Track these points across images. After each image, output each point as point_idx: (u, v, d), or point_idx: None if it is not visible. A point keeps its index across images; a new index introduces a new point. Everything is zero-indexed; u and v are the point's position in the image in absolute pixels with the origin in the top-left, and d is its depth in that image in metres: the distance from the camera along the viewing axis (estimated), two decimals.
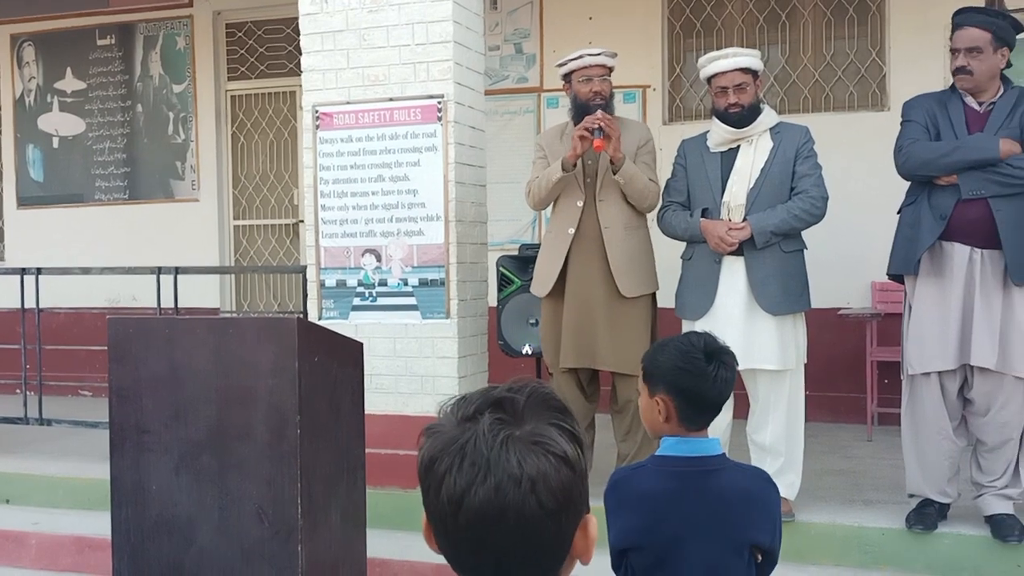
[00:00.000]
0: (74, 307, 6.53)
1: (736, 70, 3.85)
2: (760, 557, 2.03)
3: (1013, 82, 3.72)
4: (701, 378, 2.02)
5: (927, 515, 3.72)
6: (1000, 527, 3.60)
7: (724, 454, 2.08)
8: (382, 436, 4.19)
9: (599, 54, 4.16)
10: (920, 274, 3.67)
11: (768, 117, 3.95)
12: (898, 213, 3.81)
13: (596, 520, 1.09)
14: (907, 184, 3.80)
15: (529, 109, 6.57)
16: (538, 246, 4.53)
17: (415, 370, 4.45)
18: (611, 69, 4.22)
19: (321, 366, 3.03)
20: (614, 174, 4.04)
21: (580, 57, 4.18)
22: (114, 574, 3.08)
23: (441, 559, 1.09)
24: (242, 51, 7.43)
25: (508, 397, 1.05)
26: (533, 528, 1.00)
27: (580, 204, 4.15)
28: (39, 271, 5.22)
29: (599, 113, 4.01)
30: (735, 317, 3.84)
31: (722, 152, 3.97)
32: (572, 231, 4.15)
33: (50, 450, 5.46)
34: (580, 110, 4.14)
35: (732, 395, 3.92)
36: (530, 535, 1.01)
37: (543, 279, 4.24)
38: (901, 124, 3.78)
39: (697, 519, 1.97)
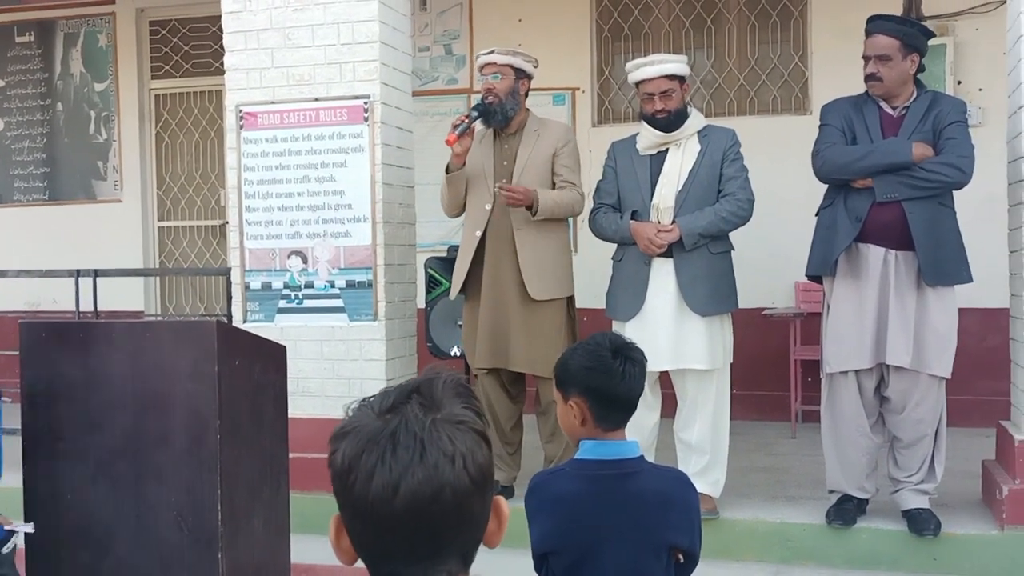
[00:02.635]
0: None
1: (661, 77, 3.89)
2: (681, 558, 2.05)
3: (927, 86, 3.83)
4: (609, 375, 2.02)
5: (846, 510, 3.80)
6: (916, 521, 3.70)
7: (642, 456, 2.08)
8: (309, 440, 4.13)
9: (490, 53, 4.21)
10: (837, 275, 3.75)
11: (695, 121, 4.00)
12: (816, 215, 3.89)
13: (505, 502, 1.13)
14: (827, 187, 3.89)
15: (459, 110, 6.53)
16: None
17: (342, 373, 4.41)
18: (514, 67, 4.17)
19: (242, 370, 2.98)
20: (533, 217, 4.06)
21: (478, 58, 4.25)
22: None
23: None
24: (166, 49, 7.29)
25: (427, 382, 1.10)
26: (465, 503, 1.04)
27: (488, 207, 4.17)
28: None
29: (468, 113, 4.13)
30: (665, 318, 3.88)
31: (651, 155, 4.01)
32: (479, 233, 4.17)
33: None
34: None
35: (660, 394, 4.03)
36: (462, 510, 1.05)
37: (455, 282, 4.28)
38: (819, 128, 3.86)
39: (614, 522, 1.97)
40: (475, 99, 6.48)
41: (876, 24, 3.72)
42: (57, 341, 2.94)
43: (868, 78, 3.72)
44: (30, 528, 2.67)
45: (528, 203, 4.04)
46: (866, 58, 3.71)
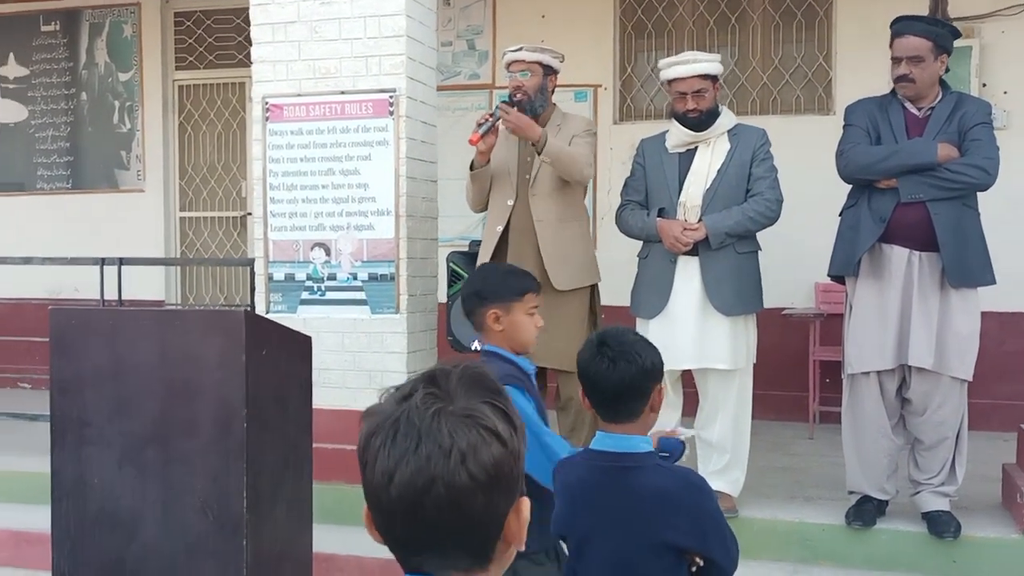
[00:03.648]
0: (13, 297, 6.39)
1: (695, 76, 3.88)
2: (700, 562, 2.04)
3: (951, 87, 3.81)
4: (587, 363, 2.09)
5: (866, 511, 3.80)
6: (936, 523, 3.69)
7: (651, 453, 2.09)
8: (329, 431, 4.15)
9: (518, 49, 4.19)
10: (860, 275, 3.75)
11: (726, 119, 3.99)
12: (839, 215, 3.89)
13: (528, 503, 1.11)
14: (850, 187, 3.88)
15: (481, 105, 6.56)
16: None
17: (363, 365, 4.43)
18: (542, 64, 4.18)
19: (269, 360, 3.00)
20: (539, 154, 4.04)
21: (505, 54, 4.24)
22: (54, 569, 3.02)
23: (388, 553, 1.10)
24: (191, 40, 7.32)
25: (441, 372, 1.10)
26: (463, 500, 1.03)
27: (510, 203, 4.18)
28: None
29: (492, 111, 4.07)
30: (689, 317, 3.88)
31: (680, 153, 4.01)
32: (500, 228, 4.18)
33: None
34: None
35: (682, 392, 4.03)
36: (460, 507, 1.03)
37: None
38: (843, 128, 3.86)
39: (609, 514, 1.99)
40: (498, 94, 6.53)
41: (906, 25, 3.70)
42: (86, 328, 2.97)
43: (899, 79, 3.69)
44: (692, 432, 2.55)
45: (533, 136, 3.97)
46: (897, 59, 3.69)
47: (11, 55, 7.58)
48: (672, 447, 2.44)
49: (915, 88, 3.68)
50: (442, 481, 1.02)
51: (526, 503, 1.10)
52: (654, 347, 2.13)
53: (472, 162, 4.17)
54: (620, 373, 2.05)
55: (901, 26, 3.70)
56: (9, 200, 7.56)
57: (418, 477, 1.02)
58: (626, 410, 2.08)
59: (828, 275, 3.97)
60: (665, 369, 2.20)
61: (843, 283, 3.92)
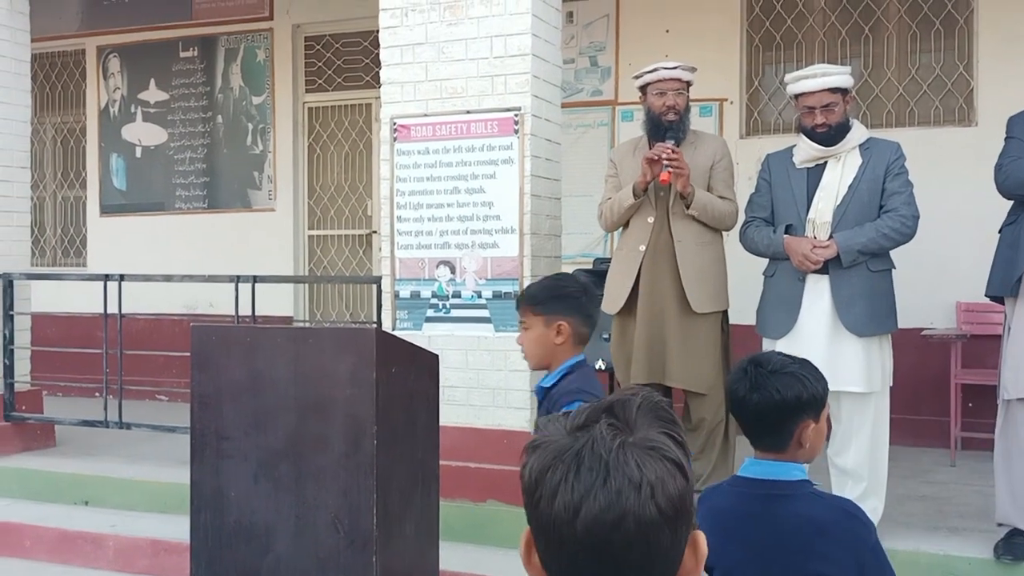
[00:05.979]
0: (152, 313, 6.67)
1: (824, 90, 3.76)
2: None
3: None
4: (731, 385, 2.04)
5: (1017, 545, 3.57)
6: None
7: (805, 481, 1.99)
8: (453, 448, 4.17)
9: (675, 68, 4.12)
10: (1020, 295, 3.53)
11: (857, 133, 3.85)
12: (999, 232, 3.69)
13: (704, 537, 1.06)
14: (994, 201, 3.68)
15: (603, 122, 6.53)
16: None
17: (487, 383, 4.43)
18: (689, 83, 4.17)
19: (398, 377, 3.03)
20: (687, 208, 4.00)
21: (655, 70, 4.14)
22: None
23: (512, 574, 1.07)
24: (320, 64, 7.54)
25: (620, 403, 1.05)
26: (651, 535, 0.99)
27: (651, 220, 4.11)
28: (122, 278, 5.33)
29: (669, 144, 3.96)
30: (819, 337, 3.75)
31: (808, 168, 3.89)
32: (643, 248, 4.11)
33: (128, 453, 5.57)
34: (653, 123, 4.13)
35: None
36: (648, 542, 0.99)
37: (614, 297, 4.20)
38: (1005, 140, 3.66)
39: (756, 544, 1.92)
40: (620, 111, 6.49)
41: None
42: (225, 345, 3.06)
43: None
44: None
45: (688, 189, 3.97)
46: None
47: (152, 80, 7.95)
48: None
49: None
50: (632, 516, 0.97)
51: (702, 538, 1.05)
52: (804, 382, 1.98)
53: (634, 190, 4.08)
54: (756, 403, 1.98)
55: None
56: (150, 220, 7.92)
57: (608, 512, 0.97)
58: (768, 441, 2.00)
59: (986, 295, 3.76)
60: None
61: (1002, 303, 3.70)
